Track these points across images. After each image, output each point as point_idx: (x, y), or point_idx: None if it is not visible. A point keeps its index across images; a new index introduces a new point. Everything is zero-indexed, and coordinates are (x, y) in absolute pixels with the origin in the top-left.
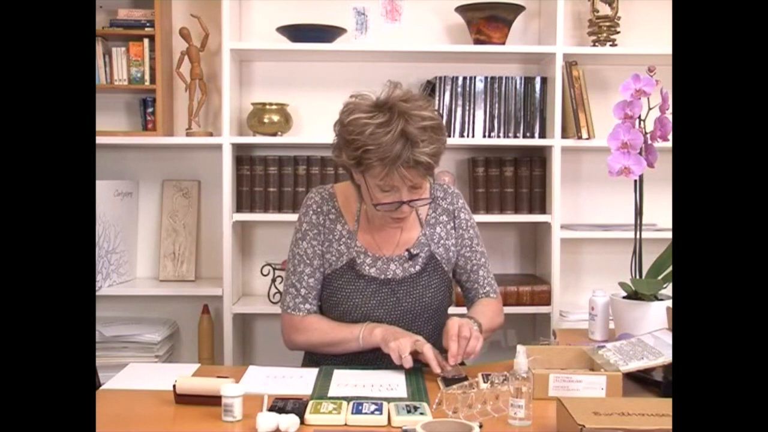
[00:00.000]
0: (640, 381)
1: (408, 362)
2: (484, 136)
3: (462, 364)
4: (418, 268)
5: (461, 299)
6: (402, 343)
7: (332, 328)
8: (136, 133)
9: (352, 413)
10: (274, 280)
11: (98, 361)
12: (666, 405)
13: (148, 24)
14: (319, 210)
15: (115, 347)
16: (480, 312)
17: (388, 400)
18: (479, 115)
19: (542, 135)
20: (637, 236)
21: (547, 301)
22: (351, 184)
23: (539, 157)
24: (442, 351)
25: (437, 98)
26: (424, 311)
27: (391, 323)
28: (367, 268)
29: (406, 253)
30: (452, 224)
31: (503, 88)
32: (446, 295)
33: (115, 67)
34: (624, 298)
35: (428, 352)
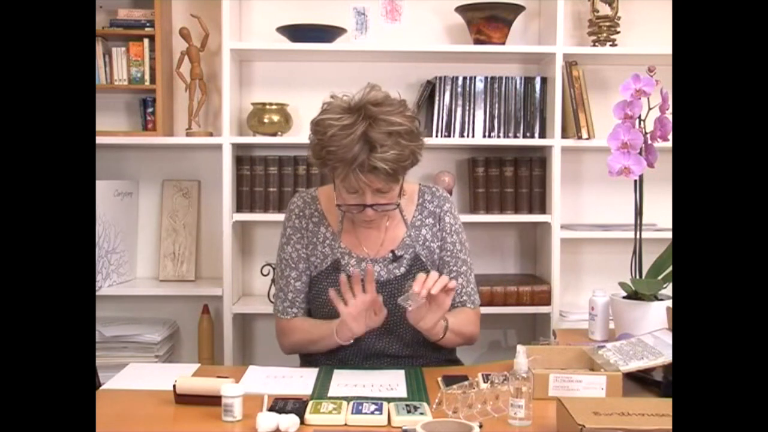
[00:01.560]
0: (640, 381)
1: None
2: (484, 136)
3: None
4: (402, 270)
5: None
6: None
7: (313, 326)
8: (136, 133)
9: (352, 413)
10: (274, 280)
11: (98, 361)
12: (666, 405)
13: (148, 24)
14: (301, 214)
15: (115, 347)
16: (450, 314)
17: (388, 400)
18: (479, 115)
19: (542, 135)
20: (637, 236)
21: (547, 301)
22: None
23: (539, 157)
24: (426, 353)
25: (437, 98)
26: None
27: (376, 325)
28: (351, 269)
29: (391, 254)
30: (438, 226)
31: (503, 88)
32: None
33: (115, 67)
34: (624, 298)
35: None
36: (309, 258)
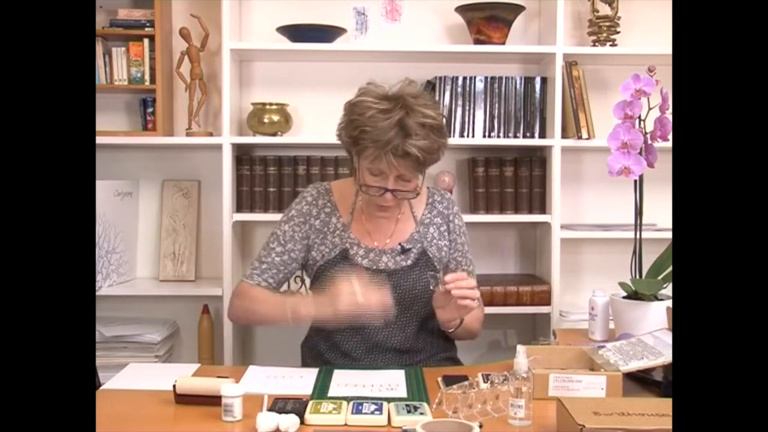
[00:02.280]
0: (640, 381)
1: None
2: (484, 136)
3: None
4: (410, 262)
5: None
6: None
7: (268, 295)
8: (136, 133)
9: (352, 413)
10: None
11: (98, 361)
12: (666, 405)
13: (148, 24)
14: (314, 202)
15: (115, 347)
16: None
17: (388, 400)
18: (479, 115)
19: (542, 135)
20: (637, 236)
21: (547, 301)
22: (347, 182)
23: (539, 157)
24: (426, 347)
25: (437, 98)
26: (414, 302)
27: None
28: (360, 258)
29: (399, 246)
30: (446, 227)
31: (503, 88)
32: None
33: (115, 67)
34: (624, 298)
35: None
36: (318, 247)
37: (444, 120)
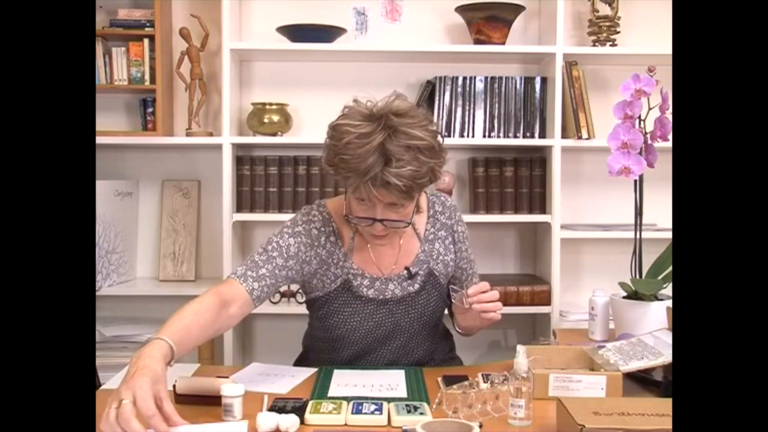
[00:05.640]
0: (640, 381)
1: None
2: (484, 136)
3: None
4: (416, 287)
5: None
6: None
7: (192, 320)
8: (136, 133)
9: (352, 413)
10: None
11: (98, 361)
12: (666, 405)
13: (148, 24)
14: (323, 229)
15: (115, 347)
16: None
17: (388, 400)
18: (479, 115)
19: (542, 135)
20: (637, 236)
21: (547, 301)
22: (340, 200)
23: (539, 157)
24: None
25: (437, 98)
26: (422, 329)
27: (389, 341)
28: (365, 289)
29: (405, 271)
30: (451, 239)
31: (503, 88)
32: (443, 308)
33: (115, 67)
34: (624, 298)
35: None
36: (320, 277)
37: (439, 137)
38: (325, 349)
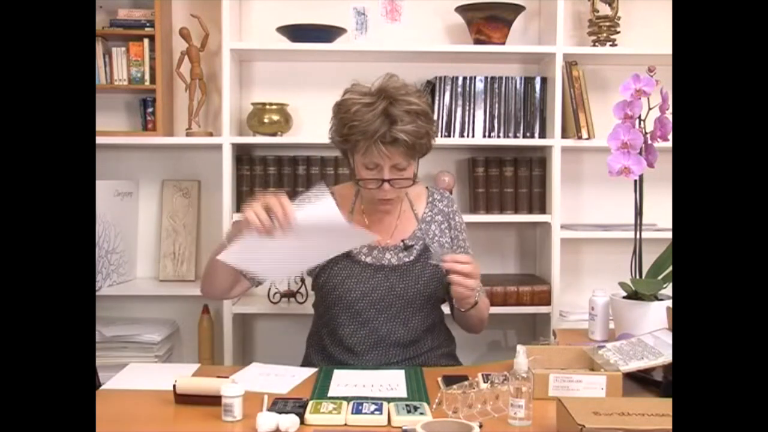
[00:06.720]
0: (640, 381)
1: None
2: (484, 136)
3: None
4: (412, 257)
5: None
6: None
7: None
8: (136, 133)
9: (352, 413)
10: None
11: (98, 361)
12: (666, 405)
13: (148, 24)
14: None
15: (115, 347)
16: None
17: (388, 400)
18: (479, 115)
19: (542, 135)
20: (637, 236)
21: (547, 301)
22: (345, 185)
23: (539, 157)
24: (427, 341)
25: (437, 98)
26: (416, 297)
27: (384, 308)
28: (363, 256)
29: (402, 243)
30: (447, 224)
31: (503, 88)
32: (438, 286)
33: (115, 67)
34: (624, 298)
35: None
36: None
37: (431, 108)
38: (325, 326)
